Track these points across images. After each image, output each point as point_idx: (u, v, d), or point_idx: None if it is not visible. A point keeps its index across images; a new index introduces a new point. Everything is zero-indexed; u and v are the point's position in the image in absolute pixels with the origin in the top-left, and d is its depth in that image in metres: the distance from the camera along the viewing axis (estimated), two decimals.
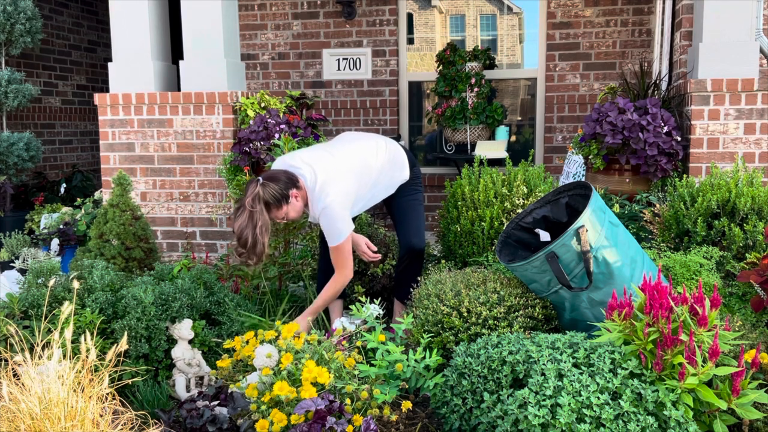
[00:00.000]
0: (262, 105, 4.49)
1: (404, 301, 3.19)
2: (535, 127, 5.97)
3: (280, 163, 2.94)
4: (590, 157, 4.12)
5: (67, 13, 7.06)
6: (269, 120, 4.17)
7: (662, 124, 3.87)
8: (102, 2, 7.56)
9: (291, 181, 2.79)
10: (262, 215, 2.68)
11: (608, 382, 1.88)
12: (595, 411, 1.81)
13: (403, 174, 3.13)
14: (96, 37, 7.57)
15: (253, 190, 2.69)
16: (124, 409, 2.00)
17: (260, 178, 2.75)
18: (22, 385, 1.82)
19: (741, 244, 2.94)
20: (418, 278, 3.11)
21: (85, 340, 1.89)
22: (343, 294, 3.32)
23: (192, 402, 2.17)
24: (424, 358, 2.40)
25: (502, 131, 5.59)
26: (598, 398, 1.83)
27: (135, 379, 2.48)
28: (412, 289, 3.05)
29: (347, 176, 2.87)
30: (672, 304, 1.98)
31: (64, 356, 2.10)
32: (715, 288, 2.02)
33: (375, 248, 3.22)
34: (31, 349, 2.31)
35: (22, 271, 4.36)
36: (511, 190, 3.43)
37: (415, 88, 6.17)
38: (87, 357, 1.88)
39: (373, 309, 2.74)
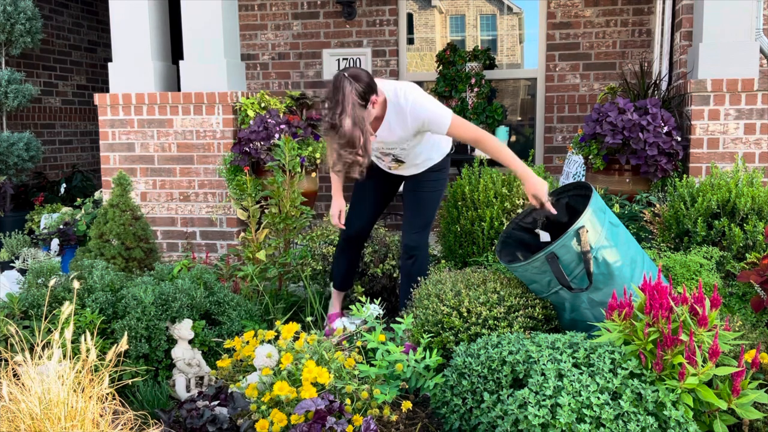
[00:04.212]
0: (262, 105, 4.49)
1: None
2: (535, 127, 5.97)
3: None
4: (590, 157, 4.12)
5: (67, 13, 7.06)
6: (269, 120, 4.17)
7: (662, 124, 3.87)
8: (102, 2, 7.56)
9: (373, 84, 2.65)
10: (362, 115, 2.58)
11: (608, 382, 1.88)
12: (595, 411, 1.81)
13: (444, 148, 3.07)
14: (96, 37, 7.57)
15: (345, 87, 2.55)
16: (124, 409, 2.00)
17: (347, 74, 2.60)
18: (22, 385, 1.82)
19: (741, 244, 2.95)
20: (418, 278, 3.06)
21: (85, 340, 1.89)
22: (345, 285, 3.32)
23: (192, 402, 2.17)
24: (424, 358, 2.40)
25: (502, 131, 5.59)
26: (598, 398, 1.83)
27: (135, 379, 2.48)
28: (407, 301, 3.01)
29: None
30: (672, 304, 1.98)
31: (64, 356, 2.10)
32: (715, 288, 2.02)
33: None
34: (31, 349, 2.31)
35: (22, 271, 4.36)
36: (511, 190, 3.43)
37: None
38: (87, 357, 1.88)
39: (373, 309, 2.74)
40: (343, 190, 3.22)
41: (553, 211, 2.77)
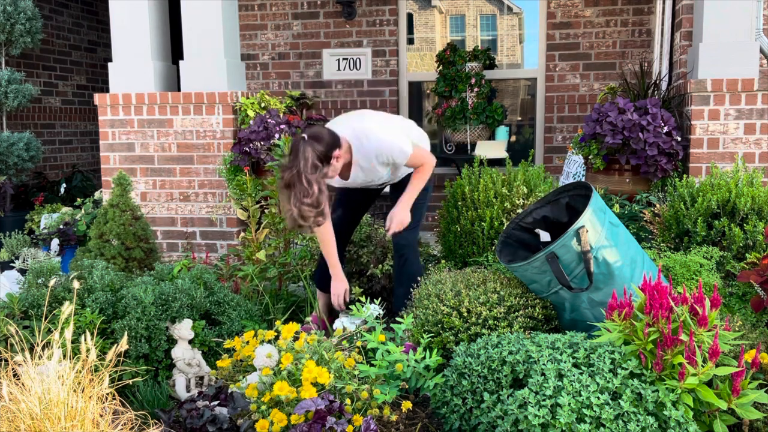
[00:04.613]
0: (262, 105, 4.49)
1: (400, 309, 3.15)
2: (535, 127, 5.97)
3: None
4: (590, 157, 4.12)
5: (67, 13, 7.06)
6: (269, 120, 4.17)
7: (662, 124, 3.87)
8: (102, 2, 7.56)
9: (335, 142, 2.73)
10: (321, 174, 2.67)
11: (608, 382, 1.88)
12: (595, 411, 1.81)
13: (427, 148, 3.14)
14: (96, 37, 7.57)
15: (306, 152, 2.62)
16: (124, 409, 2.00)
17: (306, 136, 2.67)
18: (22, 385, 1.82)
19: (741, 244, 2.95)
20: (413, 284, 3.04)
21: (85, 340, 1.89)
22: (324, 284, 3.32)
23: (192, 402, 2.17)
24: (424, 358, 2.40)
25: (502, 131, 5.59)
26: (598, 398, 1.83)
27: (135, 379, 2.48)
28: (407, 301, 3.02)
29: (383, 118, 2.93)
30: (672, 304, 1.98)
31: (64, 356, 2.10)
32: (715, 288, 2.02)
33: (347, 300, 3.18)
34: (31, 349, 2.31)
35: (22, 271, 4.36)
36: (511, 190, 3.43)
37: (415, 88, 6.17)
38: (87, 357, 1.88)
39: (373, 309, 2.74)
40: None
41: (391, 233, 3.02)
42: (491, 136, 5.65)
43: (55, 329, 2.24)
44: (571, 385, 1.88)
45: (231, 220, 4.48)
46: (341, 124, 2.90)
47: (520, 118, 6.10)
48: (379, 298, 3.27)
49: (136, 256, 3.49)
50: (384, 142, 2.82)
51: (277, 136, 4.11)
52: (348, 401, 2.11)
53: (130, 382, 2.47)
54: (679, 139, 3.88)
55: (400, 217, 2.99)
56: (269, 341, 2.44)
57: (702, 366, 1.87)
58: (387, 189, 3.32)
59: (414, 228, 3.11)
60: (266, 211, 3.58)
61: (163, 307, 2.68)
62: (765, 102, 3.87)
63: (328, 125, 2.93)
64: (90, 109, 7.42)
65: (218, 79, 4.40)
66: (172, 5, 6.19)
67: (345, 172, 2.96)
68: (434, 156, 3.01)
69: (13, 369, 1.99)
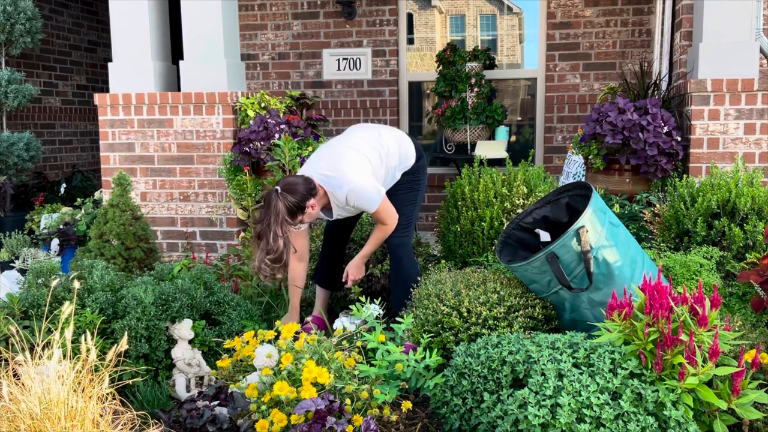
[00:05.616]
0: (262, 105, 4.49)
1: (398, 310, 3.17)
2: (535, 127, 5.97)
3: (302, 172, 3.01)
4: (590, 157, 4.12)
5: (67, 13, 7.06)
6: (269, 120, 4.17)
7: (662, 124, 3.87)
8: (102, 2, 7.56)
9: (309, 192, 2.83)
10: (288, 227, 2.78)
11: (608, 382, 1.88)
12: (595, 411, 1.81)
13: (410, 160, 3.17)
14: (96, 37, 7.57)
15: (277, 206, 2.74)
16: (125, 409, 2.00)
17: (279, 188, 2.77)
18: (23, 385, 1.82)
19: (741, 244, 2.95)
20: (412, 284, 3.05)
21: (85, 340, 1.89)
22: (336, 286, 3.35)
23: (192, 402, 2.17)
24: (424, 358, 2.40)
25: (502, 131, 5.59)
26: (598, 398, 1.83)
27: (135, 379, 2.48)
28: (406, 300, 3.03)
29: (358, 158, 2.94)
30: (672, 304, 1.98)
31: (65, 356, 2.10)
32: (715, 288, 2.02)
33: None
34: (32, 349, 2.31)
35: (22, 271, 4.36)
36: (511, 190, 3.43)
37: (415, 88, 6.17)
38: (87, 357, 1.88)
39: (373, 309, 2.74)
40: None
41: (349, 284, 3.14)
42: (491, 136, 5.65)
43: (55, 329, 2.24)
44: (571, 385, 1.88)
45: (231, 220, 4.48)
46: (318, 163, 2.95)
47: (520, 118, 6.10)
48: (379, 298, 3.27)
49: (136, 256, 3.50)
50: (355, 193, 2.87)
51: (277, 136, 4.11)
52: (348, 401, 2.11)
53: (130, 382, 2.47)
54: (679, 139, 3.89)
55: (353, 273, 3.14)
56: (269, 341, 2.44)
57: (702, 366, 1.87)
58: None
59: (407, 227, 3.13)
60: None
61: (163, 307, 2.68)
62: (765, 102, 3.87)
63: (305, 167, 3.01)
64: (90, 109, 7.42)
65: (218, 79, 4.40)
66: (172, 5, 6.19)
67: (326, 211, 3.05)
68: (397, 215, 3.05)
69: (13, 369, 1.99)
